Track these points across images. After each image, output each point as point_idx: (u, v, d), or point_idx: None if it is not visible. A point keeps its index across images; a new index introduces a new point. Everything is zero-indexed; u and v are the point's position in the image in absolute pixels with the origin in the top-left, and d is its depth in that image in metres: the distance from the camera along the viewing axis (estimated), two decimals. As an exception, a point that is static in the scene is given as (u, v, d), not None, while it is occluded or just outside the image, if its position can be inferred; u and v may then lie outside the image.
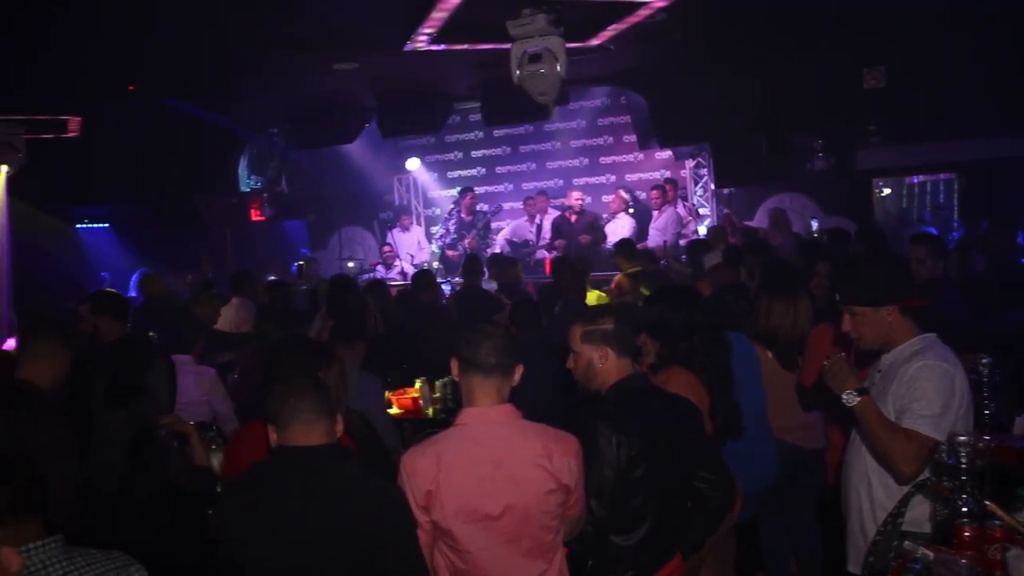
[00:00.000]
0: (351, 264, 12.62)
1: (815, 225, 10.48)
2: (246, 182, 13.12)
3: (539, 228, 12.41)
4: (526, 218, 12.71)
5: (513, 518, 2.65)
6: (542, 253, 11.94)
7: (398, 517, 2.56)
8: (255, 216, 13.72)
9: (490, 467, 2.65)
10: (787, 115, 9.57)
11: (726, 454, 3.67)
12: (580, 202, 11.93)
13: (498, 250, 11.83)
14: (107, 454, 4.20)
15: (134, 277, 12.39)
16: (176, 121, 10.37)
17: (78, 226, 15.39)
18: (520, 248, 12.17)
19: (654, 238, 11.29)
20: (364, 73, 9.11)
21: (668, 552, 3.21)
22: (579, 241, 11.37)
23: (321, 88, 9.85)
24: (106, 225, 15.66)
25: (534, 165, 14.23)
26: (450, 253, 12.31)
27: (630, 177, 13.34)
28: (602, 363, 3.21)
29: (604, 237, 11.53)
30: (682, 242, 11.03)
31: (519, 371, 2.83)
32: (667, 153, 12.58)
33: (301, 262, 12.72)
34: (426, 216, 15.06)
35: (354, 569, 2.45)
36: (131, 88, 8.10)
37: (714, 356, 3.98)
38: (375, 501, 2.55)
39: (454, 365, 2.83)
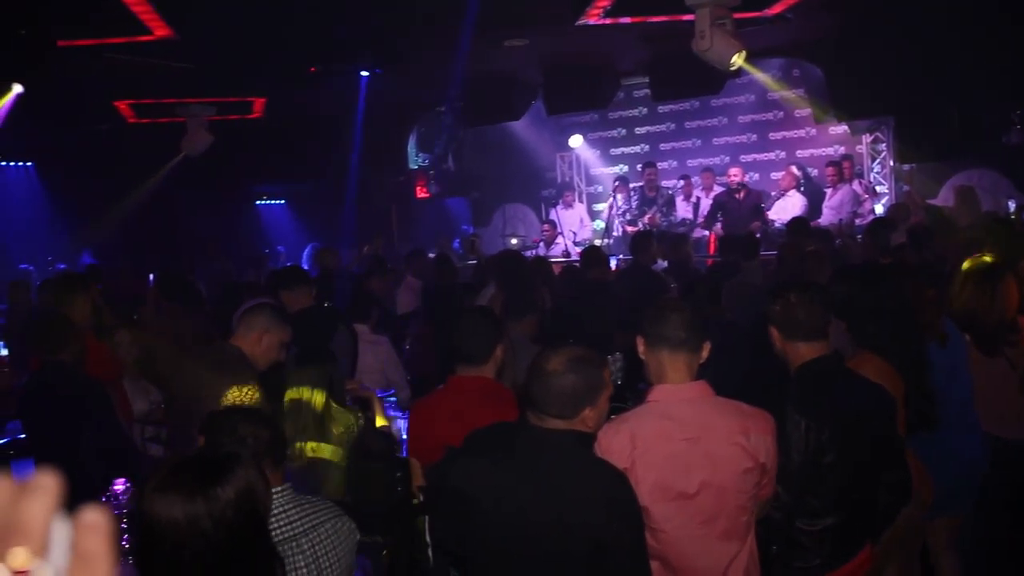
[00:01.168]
0: (514, 241, 12.77)
1: (1012, 205, 9.68)
2: (414, 160, 13.49)
3: (696, 206, 12.10)
4: (681, 196, 12.43)
5: (709, 497, 2.58)
6: (700, 232, 11.63)
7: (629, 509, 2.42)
8: (421, 193, 14.12)
9: (686, 444, 2.58)
10: (982, 85, 8.88)
11: (923, 446, 3.46)
12: (739, 179, 11.50)
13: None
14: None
15: (307, 250, 13.05)
16: (351, 99, 10.77)
17: (257, 203, 16.38)
18: (676, 227, 11.91)
19: (828, 217, 10.79)
20: (534, 49, 9.15)
21: (857, 543, 3.07)
22: (745, 223, 10.97)
23: (491, 65, 9.95)
24: (282, 202, 16.60)
25: (699, 141, 13.88)
26: (629, 229, 12.11)
27: (801, 153, 12.80)
28: (785, 343, 3.11)
29: (768, 219, 11.09)
30: (858, 221, 10.49)
31: (707, 348, 2.76)
32: (842, 128, 11.99)
33: (468, 236, 13.01)
34: (588, 193, 15.02)
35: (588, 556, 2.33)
36: (312, 70, 8.45)
37: (906, 341, 3.74)
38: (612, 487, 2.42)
39: (640, 343, 2.78)
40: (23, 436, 4.95)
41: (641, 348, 2.79)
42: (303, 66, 8.62)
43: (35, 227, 13.25)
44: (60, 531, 0.58)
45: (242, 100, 10.28)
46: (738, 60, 6.91)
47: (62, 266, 11.57)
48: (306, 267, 11.86)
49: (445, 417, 3.38)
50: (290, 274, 5.93)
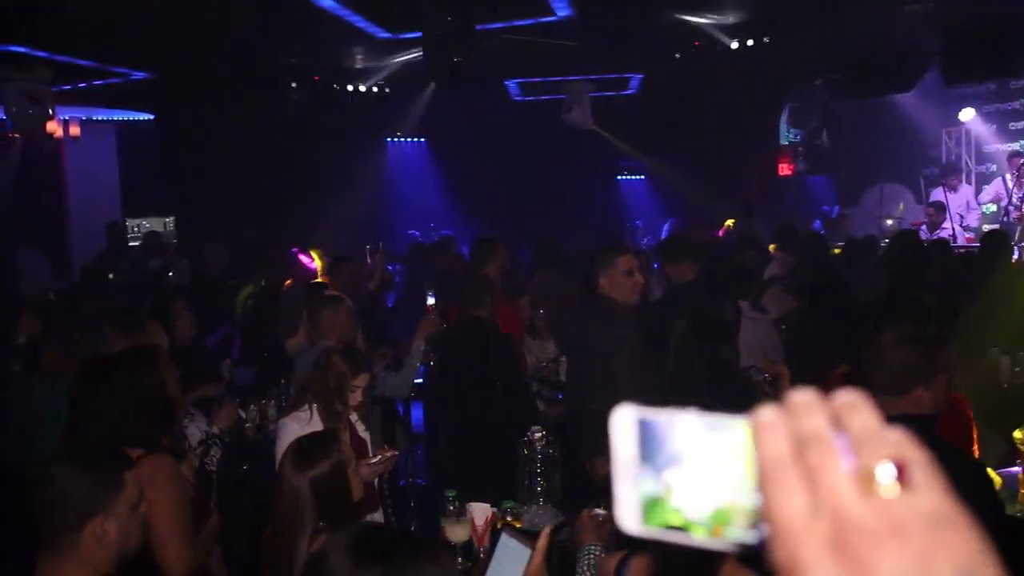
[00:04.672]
0: (889, 222, 11.84)
1: None
2: (785, 135, 13.00)
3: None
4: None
5: None
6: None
7: None
8: (784, 170, 13.59)
9: None
10: None
11: None
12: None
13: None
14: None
15: (666, 226, 13.15)
16: (724, 73, 10.61)
17: (618, 177, 16.81)
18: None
19: None
20: (937, 12, 8.33)
21: None
22: None
23: (883, 32, 9.23)
24: (642, 177, 16.89)
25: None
26: (1015, 214, 10.76)
27: None
28: None
29: None
30: None
31: None
32: None
33: (835, 217, 12.33)
34: (977, 173, 13.47)
35: None
36: (696, 44, 8.42)
37: None
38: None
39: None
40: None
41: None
42: (683, 41, 8.63)
43: (423, 196, 14.76)
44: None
45: (620, 76, 10.54)
46: None
47: (446, 232, 12.71)
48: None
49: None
50: (675, 247, 5.99)
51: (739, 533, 0.64)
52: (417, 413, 8.11)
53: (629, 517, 0.67)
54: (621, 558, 2.03)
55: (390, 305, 8.90)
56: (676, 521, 0.66)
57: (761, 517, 0.61)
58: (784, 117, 12.96)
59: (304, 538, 2.69)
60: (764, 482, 0.59)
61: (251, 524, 4.17)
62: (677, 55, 9.16)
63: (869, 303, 3.99)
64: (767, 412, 0.61)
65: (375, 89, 11.20)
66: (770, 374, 3.94)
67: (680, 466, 0.66)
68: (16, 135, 10.53)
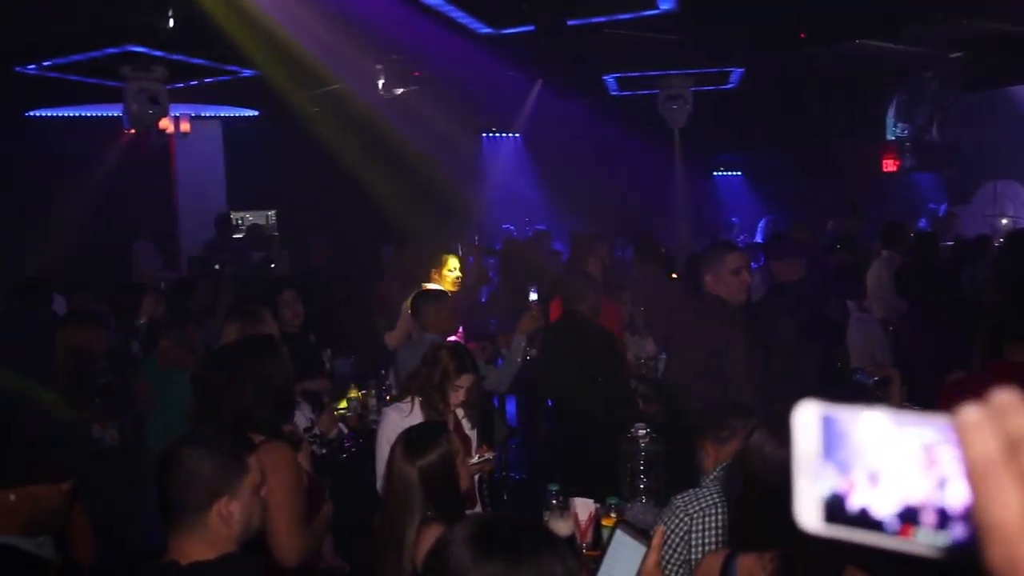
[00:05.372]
0: (1004, 221, 11.33)
1: None
2: (892, 130, 12.55)
3: None
4: None
5: None
6: None
7: None
8: (888, 166, 13.13)
9: None
10: None
11: None
12: None
13: None
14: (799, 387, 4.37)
15: (761, 223, 12.87)
16: (824, 69, 10.32)
17: (715, 174, 16.54)
18: None
19: None
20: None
21: None
22: None
23: (1003, 19, 8.78)
24: (739, 173, 16.57)
25: None
26: None
27: None
28: None
29: None
30: None
31: None
32: None
33: (943, 216, 11.84)
34: (1103, 169, 12.76)
35: None
36: (802, 36, 8.18)
37: None
38: None
39: None
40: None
41: None
42: (789, 33, 8.39)
43: (517, 191, 14.82)
44: None
45: (720, 71, 10.36)
46: None
47: (540, 226, 12.72)
48: (760, 240, 11.71)
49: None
50: (782, 245, 5.85)
51: (930, 534, 0.62)
52: (510, 407, 8.17)
53: (808, 515, 0.66)
54: (727, 555, 1.99)
55: (483, 300, 8.97)
56: (860, 521, 0.64)
57: (967, 518, 0.59)
58: (891, 111, 12.50)
59: (412, 527, 2.73)
60: (975, 483, 0.58)
61: (352, 511, 4.28)
62: (781, 48, 8.93)
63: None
64: (971, 412, 0.60)
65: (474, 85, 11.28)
66: (880, 377, 3.81)
67: (866, 464, 0.64)
68: (132, 132, 11.00)
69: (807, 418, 0.66)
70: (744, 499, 1.81)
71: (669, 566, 2.58)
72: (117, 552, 5.04)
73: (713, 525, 2.59)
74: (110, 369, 4.91)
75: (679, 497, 2.69)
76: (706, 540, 2.56)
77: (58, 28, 7.16)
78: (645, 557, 1.94)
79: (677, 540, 2.59)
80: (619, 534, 2.00)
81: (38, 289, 6.91)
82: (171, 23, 6.43)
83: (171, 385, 5.25)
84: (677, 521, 2.60)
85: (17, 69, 8.89)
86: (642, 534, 2.00)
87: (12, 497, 2.24)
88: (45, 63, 8.64)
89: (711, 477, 2.79)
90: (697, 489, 2.73)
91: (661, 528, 2.04)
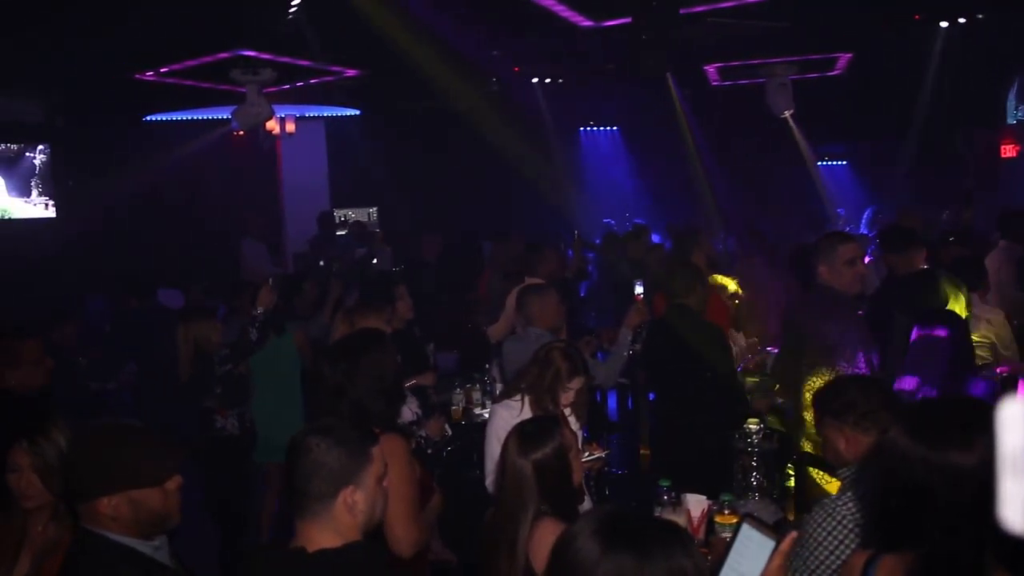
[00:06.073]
0: None
1: None
2: (1012, 113, 11.92)
3: None
4: None
5: None
6: None
7: None
8: (1006, 152, 12.48)
9: None
10: None
11: None
12: None
13: None
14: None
15: (866, 213, 12.38)
16: (945, 47, 9.86)
17: (819, 163, 16.02)
18: None
19: None
20: None
21: None
22: None
23: None
24: (844, 163, 16.01)
25: None
26: None
27: None
28: None
29: None
30: None
31: None
32: None
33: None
34: None
35: None
36: (916, 17, 7.85)
37: None
38: None
39: None
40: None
41: None
42: (901, 15, 8.08)
43: (616, 185, 14.71)
44: None
45: (826, 57, 10.02)
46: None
47: (639, 220, 12.58)
48: (864, 231, 11.27)
49: None
50: (899, 237, 5.61)
51: None
52: (611, 401, 8.12)
53: (1020, 515, 0.62)
54: (869, 556, 1.91)
55: (582, 295, 8.93)
56: None
57: None
58: (1012, 93, 11.86)
59: (526, 521, 2.73)
60: None
61: (457, 504, 4.33)
62: (892, 31, 8.58)
63: None
64: None
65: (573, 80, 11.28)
66: (1012, 371, 3.62)
67: None
68: (240, 133, 11.38)
69: (1016, 416, 0.62)
70: (883, 498, 1.74)
71: (821, 567, 2.49)
72: (239, 539, 5.24)
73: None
74: (230, 358, 5.08)
75: (836, 497, 2.58)
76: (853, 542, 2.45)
77: (177, 34, 7.45)
78: (773, 553, 1.89)
79: (834, 542, 2.48)
80: (746, 528, 1.94)
81: (141, 285, 7.25)
82: (286, 25, 6.61)
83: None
84: (833, 523, 2.49)
85: (136, 76, 9.30)
86: (770, 528, 1.94)
87: (109, 502, 2.22)
88: (163, 69, 9.02)
89: (849, 473, 2.68)
90: (842, 494, 2.60)
91: (794, 534, 1.97)
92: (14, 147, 12.07)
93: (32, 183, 12.24)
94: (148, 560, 2.28)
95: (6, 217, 11.94)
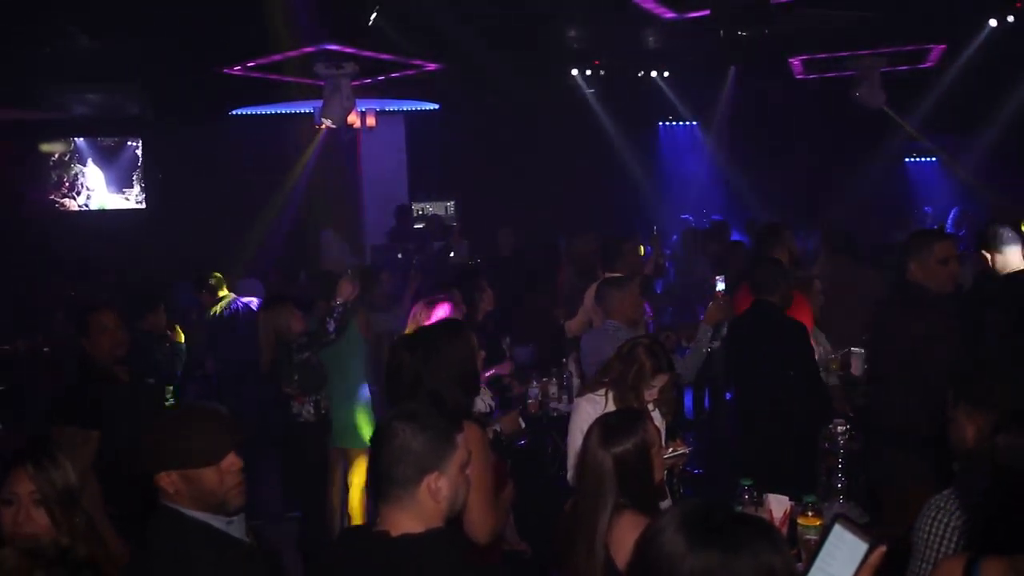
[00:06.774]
0: None
1: None
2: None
3: None
4: None
5: None
6: None
7: None
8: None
9: None
10: None
11: None
12: None
13: None
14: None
15: (952, 213, 11.93)
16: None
17: (907, 159, 15.52)
18: None
19: None
20: None
21: None
22: None
23: None
24: (933, 160, 15.47)
25: None
26: None
27: None
28: None
29: None
30: None
31: None
32: None
33: None
34: None
35: None
36: (1019, 5, 7.50)
37: None
38: None
39: None
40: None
41: None
42: (1000, 4, 7.74)
43: (694, 180, 14.49)
44: None
45: (918, 48, 9.67)
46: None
47: (716, 217, 12.37)
48: (951, 230, 10.84)
49: None
50: (1004, 233, 5.35)
51: None
52: (687, 399, 7.99)
53: None
54: (969, 558, 1.84)
55: (658, 291, 8.82)
56: None
57: None
58: None
59: (605, 513, 2.71)
60: None
61: (530, 494, 4.32)
62: (992, 20, 8.24)
63: None
64: None
65: (653, 73, 11.17)
66: None
67: None
68: (322, 127, 11.58)
69: None
70: (991, 500, 1.67)
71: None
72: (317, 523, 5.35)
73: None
74: (308, 346, 5.18)
75: (941, 497, 2.46)
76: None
77: (264, 29, 7.61)
78: (866, 556, 1.82)
79: (941, 543, 2.36)
80: (838, 528, 1.88)
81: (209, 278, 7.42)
82: (371, 20, 6.69)
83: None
84: (941, 527, 2.38)
85: (224, 71, 9.54)
86: (863, 530, 1.87)
87: (168, 477, 2.28)
88: (249, 63, 9.23)
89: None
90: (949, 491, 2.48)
91: (883, 548, 1.89)
92: (111, 141, 12.57)
93: (133, 176, 12.77)
94: (222, 535, 2.34)
95: (102, 208, 12.47)
